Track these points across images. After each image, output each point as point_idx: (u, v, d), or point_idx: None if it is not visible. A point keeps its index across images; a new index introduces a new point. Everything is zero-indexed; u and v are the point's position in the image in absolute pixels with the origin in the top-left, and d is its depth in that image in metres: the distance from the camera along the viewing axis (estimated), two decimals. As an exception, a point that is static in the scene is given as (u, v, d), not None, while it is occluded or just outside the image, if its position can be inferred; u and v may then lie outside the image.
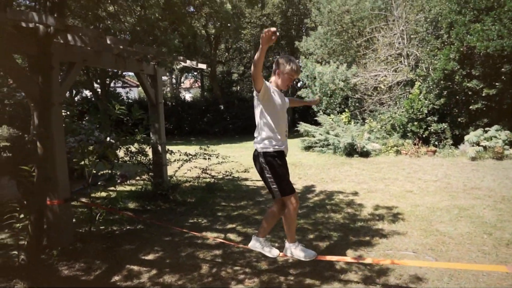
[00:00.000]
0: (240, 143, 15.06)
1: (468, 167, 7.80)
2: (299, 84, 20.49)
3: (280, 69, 2.98)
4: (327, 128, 11.08)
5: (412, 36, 11.65)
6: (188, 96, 27.64)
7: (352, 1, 13.16)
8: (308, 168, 8.46)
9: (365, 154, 9.76)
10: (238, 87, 25.11)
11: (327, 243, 3.89)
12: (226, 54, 24.17)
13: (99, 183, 5.71)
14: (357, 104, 12.86)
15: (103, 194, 4.87)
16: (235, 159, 9.28)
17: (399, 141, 10.20)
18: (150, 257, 3.65)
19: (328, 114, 12.24)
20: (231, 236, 4.20)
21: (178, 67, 17.33)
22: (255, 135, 3.02)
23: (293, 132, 16.85)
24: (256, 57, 2.57)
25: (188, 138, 17.27)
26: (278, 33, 2.47)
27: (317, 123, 12.24)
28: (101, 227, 4.35)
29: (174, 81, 31.19)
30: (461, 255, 3.46)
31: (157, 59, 5.51)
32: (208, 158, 6.19)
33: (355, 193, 5.96)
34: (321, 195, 5.91)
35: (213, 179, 6.53)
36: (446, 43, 9.89)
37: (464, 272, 3.08)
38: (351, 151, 9.84)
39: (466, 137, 9.24)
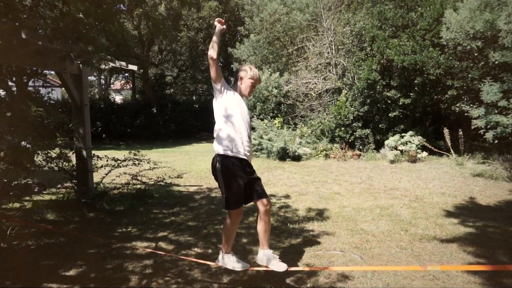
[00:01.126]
0: (173, 147, 14.69)
1: (388, 169, 8.50)
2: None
3: (241, 75, 2.98)
4: (261, 133, 11.30)
5: (339, 47, 12.42)
6: (118, 98, 26.23)
7: (283, 10, 13.63)
8: (242, 173, 8.51)
9: (296, 158, 10.13)
10: (172, 90, 24.51)
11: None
12: (160, 56, 23.49)
13: (11, 194, 5.13)
14: (289, 110, 13.31)
15: (17, 205, 4.39)
16: (168, 164, 9.02)
17: (328, 145, 10.77)
18: (71, 272, 3.36)
19: (262, 119, 12.50)
20: (163, 244, 4.05)
21: (107, 67, 16.40)
22: (215, 135, 2.90)
23: (228, 137, 16.73)
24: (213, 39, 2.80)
25: (118, 142, 16.37)
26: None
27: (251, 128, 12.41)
28: (14, 243, 3.91)
29: (103, 82, 29.42)
30: (382, 251, 3.74)
31: (82, 58, 5.13)
32: (139, 163, 5.92)
33: (287, 196, 6.14)
34: (255, 199, 5.97)
35: (144, 186, 6.25)
36: (369, 55, 10.70)
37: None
38: (283, 155, 10.15)
39: (386, 142, 10.07)
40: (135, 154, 6.00)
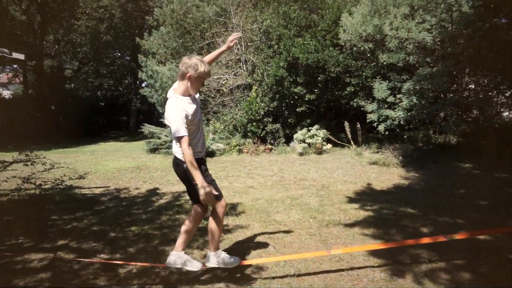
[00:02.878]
0: (76, 147, 13.43)
1: (297, 161, 8.98)
2: (143, 84, 19.67)
3: (190, 72, 2.62)
4: (173, 129, 10.97)
5: (249, 44, 12.67)
6: (7, 93, 22.93)
7: (194, 2, 13.40)
8: (153, 171, 8.17)
9: (210, 154, 10.08)
10: (73, 85, 22.33)
11: (173, 246, 3.80)
12: (56, 46, 21.13)
13: None
14: (201, 106, 13.18)
15: None
16: (69, 165, 8.22)
17: (241, 140, 10.94)
18: None
19: (174, 115, 12.14)
20: (62, 254, 3.65)
21: (-13, 57, 14.18)
22: (174, 143, 2.84)
23: (138, 134, 16.04)
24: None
25: (6, 143, 14.31)
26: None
27: (162, 125, 11.97)
28: None
29: (-17, 74, 25.37)
30: (294, 239, 3.92)
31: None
32: (31, 164, 5.23)
33: (202, 193, 6.05)
34: (167, 197, 5.77)
35: (39, 190, 5.55)
36: (276, 53, 11.12)
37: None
38: (197, 151, 9.99)
39: (294, 136, 10.61)
40: (27, 155, 5.29)
